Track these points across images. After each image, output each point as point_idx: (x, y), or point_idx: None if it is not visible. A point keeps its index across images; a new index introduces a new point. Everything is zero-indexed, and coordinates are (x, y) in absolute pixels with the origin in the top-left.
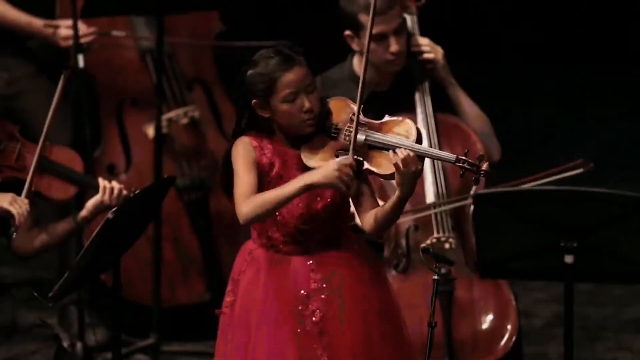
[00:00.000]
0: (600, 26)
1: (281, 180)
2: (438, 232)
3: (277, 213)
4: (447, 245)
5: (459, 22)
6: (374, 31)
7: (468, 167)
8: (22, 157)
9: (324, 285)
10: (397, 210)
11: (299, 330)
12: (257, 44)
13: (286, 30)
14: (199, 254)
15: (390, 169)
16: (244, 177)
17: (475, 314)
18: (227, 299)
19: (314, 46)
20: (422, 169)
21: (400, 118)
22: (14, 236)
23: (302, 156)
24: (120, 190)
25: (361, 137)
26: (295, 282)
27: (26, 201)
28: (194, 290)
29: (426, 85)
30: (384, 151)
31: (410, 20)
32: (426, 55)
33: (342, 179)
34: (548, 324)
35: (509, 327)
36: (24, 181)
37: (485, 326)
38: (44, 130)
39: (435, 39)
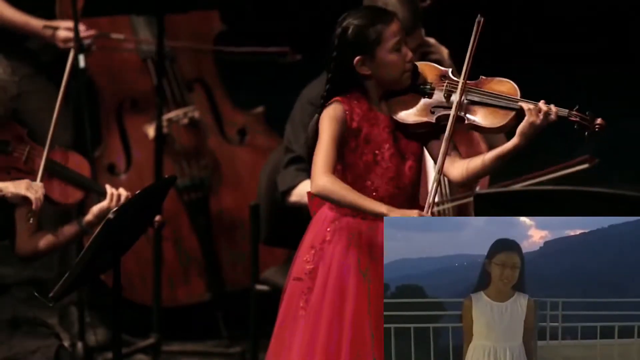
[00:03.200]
0: (601, 26)
1: (368, 144)
2: None
3: (367, 178)
4: None
5: (461, 22)
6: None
7: (581, 121)
8: (30, 160)
9: None
10: (503, 159)
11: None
12: (254, 49)
13: (286, 31)
14: (199, 254)
15: (497, 123)
16: (328, 147)
17: None
18: (307, 266)
19: (314, 46)
20: (544, 127)
21: (500, 78)
22: (31, 220)
23: (395, 112)
24: (119, 195)
25: (462, 95)
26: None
27: (41, 185)
28: (194, 290)
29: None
30: (488, 107)
31: None
32: (431, 56)
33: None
34: None
35: None
36: None
37: None
38: (50, 132)
39: (439, 40)
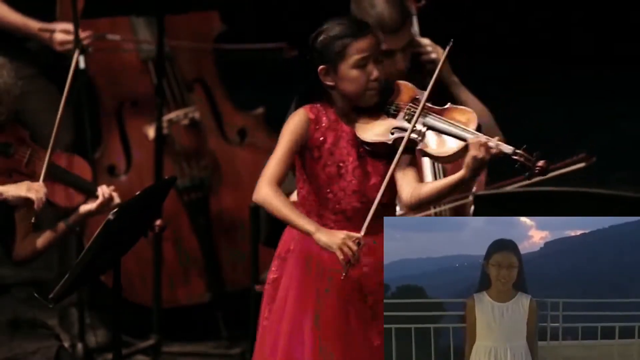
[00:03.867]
0: (600, 26)
1: (332, 156)
2: None
3: (329, 190)
4: None
5: (459, 22)
6: (383, 47)
7: (525, 161)
8: (32, 162)
9: (374, 270)
10: (451, 189)
11: (353, 313)
12: (250, 46)
13: (286, 31)
14: (199, 254)
15: (445, 152)
16: (280, 158)
17: None
18: (271, 276)
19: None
20: (488, 162)
21: (462, 107)
22: (33, 220)
23: (357, 128)
24: (109, 197)
25: (421, 119)
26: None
27: (42, 185)
28: (194, 291)
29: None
30: (442, 135)
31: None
32: (427, 56)
33: (343, 249)
34: None
35: None
36: None
37: None
38: (53, 136)
39: (435, 39)
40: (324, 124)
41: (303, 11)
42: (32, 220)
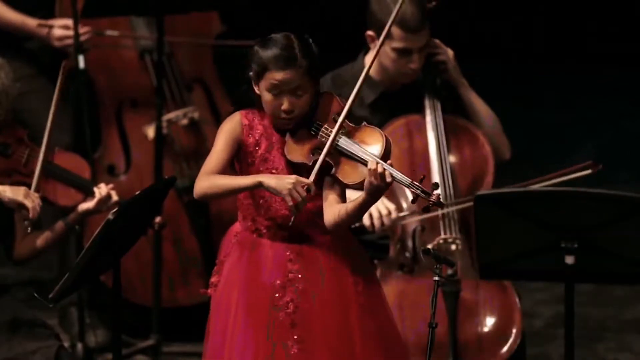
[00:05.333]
0: (600, 26)
1: (265, 162)
2: (445, 233)
3: (261, 196)
4: (453, 247)
5: (461, 23)
6: (401, 45)
7: (420, 193)
8: (30, 162)
9: (300, 276)
10: (359, 213)
11: (272, 320)
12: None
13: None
14: (198, 254)
15: (353, 179)
16: (217, 154)
17: (480, 316)
18: (212, 279)
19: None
20: (387, 187)
21: (374, 129)
22: (29, 230)
23: (285, 143)
24: (108, 196)
25: (337, 141)
26: (272, 271)
27: (37, 195)
28: (194, 291)
29: (436, 87)
30: (350, 160)
31: None
32: (437, 57)
33: (292, 194)
34: (549, 325)
35: (514, 330)
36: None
37: (490, 328)
38: (46, 133)
39: (442, 40)
40: (258, 131)
41: (303, 13)
42: (28, 231)
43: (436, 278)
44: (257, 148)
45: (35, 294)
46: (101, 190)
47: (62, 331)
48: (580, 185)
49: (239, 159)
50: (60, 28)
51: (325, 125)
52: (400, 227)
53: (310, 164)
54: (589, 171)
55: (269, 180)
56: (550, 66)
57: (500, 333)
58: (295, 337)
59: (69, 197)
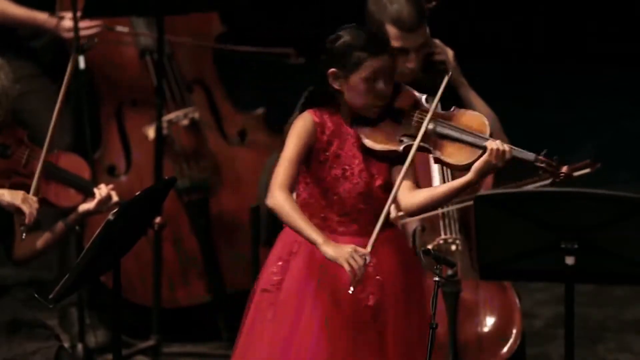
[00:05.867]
0: (601, 26)
1: (338, 159)
2: (445, 234)
3: (334, 193)
4: (453, 247)
5: (461, 23)
6: (397, 45)
7: (548, 167)
8: (30, 163)
9: (377, 269)
10: (459, 193)
11: (354, 315)
12: (257, 49)
13: (286, 32)
14: (199, 255)
15: (463, 160)
16: (290, 163)
17: (480, 316)
18: (275, 278)
19: (315, 48)
20: (502, 167)
21: (470, 111)
22: (23, 236)
23: (362, 135)
24: (108, 197)
25: (431, 126)
26: None
27: (35, 199)
28: (194, 292)
29: (436, 86)
30: (456, 142)
31: None
32: (437, 57)
33: (351, 263)
34: (549, 325)
35: (514, 330)
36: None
37: (490, 329)
38: (48, 135)
39: (442, 40)
40: (329, 128)
41: (304, 14)
42: (23, 236)
43: (436, 279)
44: (329, 146)
45: (35, 295)
46: (101, 190)
47: (62, 332)
48: (580, 185)
49: (307, 158)
50: (71, 19)
51: (418, 111)
52: (400, 226)
53: (402, 150)
54: (587, 170)
55: (327, 247)
56: (550, 66)
57: (500, 333)
58: (378, 330)
59: (69, 198)
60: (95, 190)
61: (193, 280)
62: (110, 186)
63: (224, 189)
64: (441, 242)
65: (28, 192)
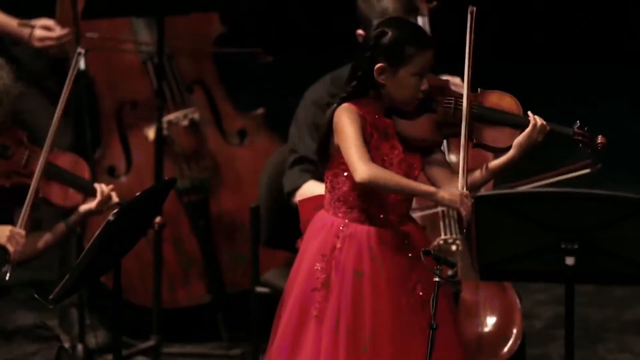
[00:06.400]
0: (601, 26)
1: (378, 150)
2: (445, 234)
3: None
4: (454, 248)
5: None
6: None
7: (585, 139)
8: (30, 163)
9: (417, 258)
10: (503, 171)
11: (408, 304)
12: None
13: (285, 33)
14: (199, 255)
15: (504, 142)
16: (357, 139)
17: (480, 316)
18: (322, 275)
19: (314, 48)
20: (542, 140)
21: (496, 91)
22: (7, 276)
23: (400, 125)
24: (108, 197)
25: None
26: (399, 256)
27: (23, 234)
28: (194, 292)
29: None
30: (494, 124)
31: (421, 22)
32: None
33: (464, 205)
34: (549, 326)
35: (514, 330)
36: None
37: (490, 329)
38: (49, 135)
39: (444, 40)
40: (369, 120)
41: (303, 14)
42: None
43: (436, 279)
44: (371, 137)
45: (36, 295)
46: (102, 190)
47: (62, 332)
48: (580, 185)
49: None
50: (41, 29)
51: (447, 98)
52: None
53: (443, 137)
54: (587, 170)
55: (443, 193)
56: (550, 66)
57: (500, 334)
58: (426, 319)
59: (68, 198)
60: (97, 186)
61: (193, 281)
62: (111, 186)
63: (223, 190)
64: (441, 242)
65: (27, 192)
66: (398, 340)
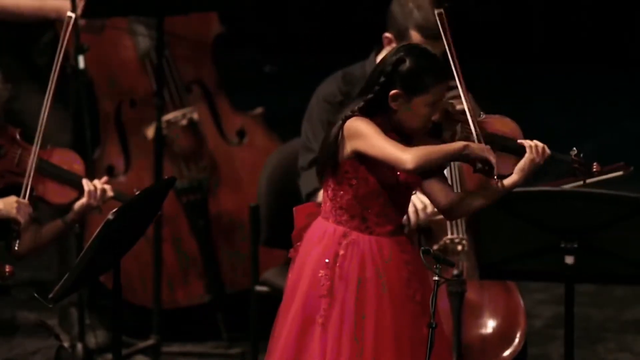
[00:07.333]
0: (601, 26)
1: (390, 168)
2: (452, 234)
3: (378, 199)
4: (459, 247)
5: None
6: None
7: (582, 168)
8: (23, 161)
9: (415, 267)
10: (503, 194)
11: (409, 312)
12: None
13: (285, 33)
14: (198, 255)
15: (507, 169)
16: (384, 136)
17: (485, 317)
18: (327, 282)
19: (313, 48)
20: (543, 163)
21: (498, 116)
22: (17, 244)
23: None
24: (102, 191)
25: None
26: (398, 265)
27: (27, 203)
28: (193, 292)
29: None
30: (496, 151)
31: None
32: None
33: (492, 154)
34: (549, 325)
35: (518, 332)
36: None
37: (495, 330)
38: (38, 132)
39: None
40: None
41: (302, 14)
42: (16, 248)
43: (436, 278)
44: None
45: (36, 295)
46: (88, 184)
47: (62, 332)
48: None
49: (361, 159)
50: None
51: (459, 124)
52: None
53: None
54: (620, 172)
55: (473, 146)
56: (550, 66)
57: (504, 335)
58: (424, 328)
59: (63, 194)
60: (85, 181)
61: (192, 280)
62: (104, 179)
63: (223, 189)
64: (447, 242)
65: (21, 190)
66: (401, 348)
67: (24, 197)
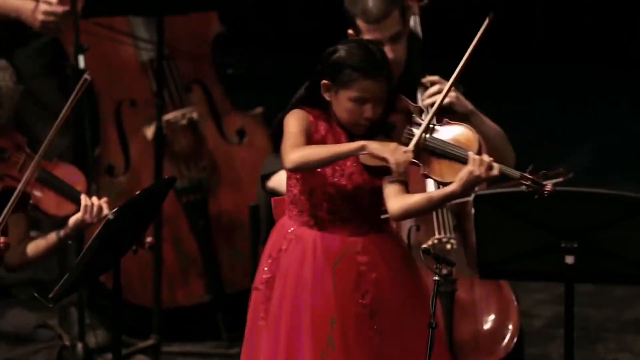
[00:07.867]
0: (601, 26)
1: (334, 165)
2: (440, 233)
3: (323, 191)
4: (448, 246)
5: (459, 22)
6: (369, 37)
7: (533, 185)
8: (25, 168)
9: (370, 267)
10: (438, 204)
11: (355, 313)
12: None
13: (284, 33)
14: (198, 255)
15: (450, 177)
16: (296, 134)
17: (476, 314)
18: (264, 275)
19: (313, 48)
20: (486, 180)
21: (461, 125)
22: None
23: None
24: (99, 208)
25: (423, 139)
26: (346, 264)
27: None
28: (193, 292)
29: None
30: (442, 158)
31: (412, 21)
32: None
33: (396, 158)
34: (548, 325)
35: (510, 327)
36: (24, 192)
37: (486, 327)
38: (46, 141)
39: (437, 39)
40: (323, 127)
41: (301, 14)
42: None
43: (436, 278)
44: (323, 144)
45: (36, 294)
46: (85, 201)
47: (62, 331)
48: (580, 185)
49: None
50: (45, 3)
51: (408, 127)
52: (395, 225)
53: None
54: (559, 179)
55: (372, 144)
56: (550, 66)
57: (496, 331)
58: (375, 327)
59: (60, 207)
60: (83, 196)
61: (192, 280)
62: (104, 199)
63: (222, 189)
64: (436, 241)
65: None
66: (348, 348)
67: (14, 203)
